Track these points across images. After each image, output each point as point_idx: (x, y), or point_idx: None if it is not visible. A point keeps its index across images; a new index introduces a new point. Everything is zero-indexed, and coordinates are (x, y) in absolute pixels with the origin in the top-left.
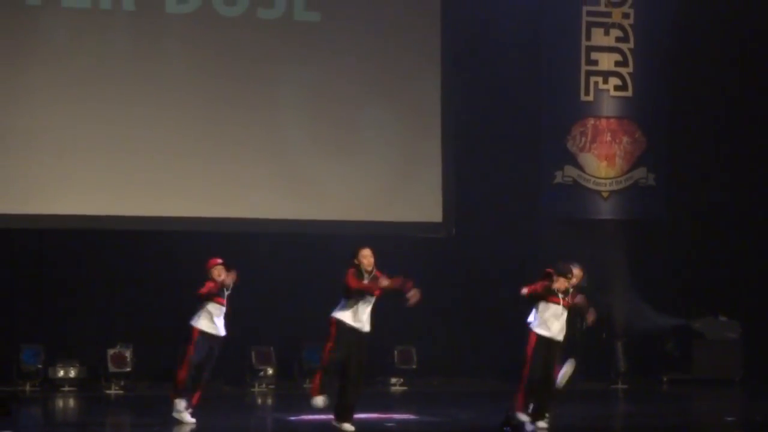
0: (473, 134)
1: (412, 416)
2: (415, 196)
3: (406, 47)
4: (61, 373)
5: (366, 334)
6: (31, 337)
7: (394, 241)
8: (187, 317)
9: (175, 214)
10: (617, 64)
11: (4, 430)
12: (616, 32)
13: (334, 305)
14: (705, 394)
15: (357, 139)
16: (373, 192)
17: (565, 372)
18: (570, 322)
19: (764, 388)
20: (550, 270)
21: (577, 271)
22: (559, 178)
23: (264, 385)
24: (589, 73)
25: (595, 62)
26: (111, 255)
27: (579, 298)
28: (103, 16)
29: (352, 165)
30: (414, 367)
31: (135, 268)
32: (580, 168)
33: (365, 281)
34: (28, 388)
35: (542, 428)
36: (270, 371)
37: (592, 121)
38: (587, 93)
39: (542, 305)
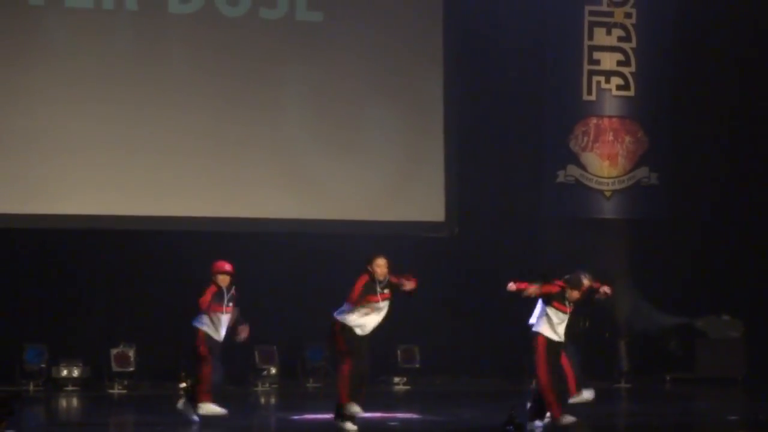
0: (476, 133)
1: (415, 415)
2: (417, 196)
3: (409, 47)
4: (65, 372)
5: (369, 334)
6: (35, 336)
7: (396, 241)
8: (190, 316)
9: (178, 214)
10: (619, 63)
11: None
12: (618, 32)
13: (337, 305)
14: (708, 392)
15: (360, 138)
16: (375, 191)
17: (585, 398)
18: (571, 323)
19: (767, 386)
20: (562, 284)
21: (585, 282)
22: (561, 177)
23: (267, 385)
24: (591, 73)
25: (598, 62)
26: (114, 254)
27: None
28: (106, 16)
29: (355, 164)
30: (417, 366)
31: (138, 267)
32: (583, 167)
33: (377, 292)
34: (31, 387)
35: (538, 427)
36: (273, 370)
37: (594, 121)
38: (589, 92)
39: (551, 311)
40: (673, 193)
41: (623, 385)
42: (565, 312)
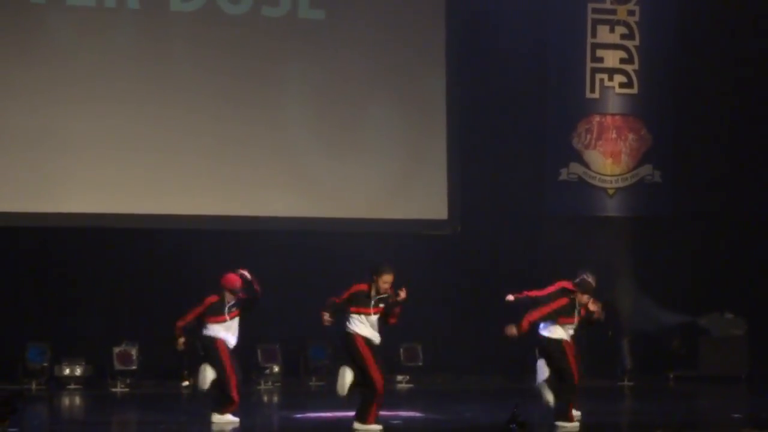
0: (478, 131)
1: (418, 414)
2: (420, 194)
3: (411, 45)
4: (67, 371)
5: (378, 346)
6: (37, 335)
7: (399, 239)
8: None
9: (181, 212)
10: (622, 61)
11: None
12: (621, 29)
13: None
14: (711, 391)
15: (362, 136)
16: (378, 189)
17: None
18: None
19: None
20: (571, 287)
21: (590, 280)
22: (564, 175)
23: (270, 383)
24: (594, 70)
25: (601, 59)
26: (116, 253)
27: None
28: (108, 15)
29: (358, 162)
30: (420, 364)
31: (141, 265)
32: (586, 165)
33: (371, 305)
34: (34, 386)
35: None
36: (276, 369)
37: (597, 118)
38: (593, 90)
39: (559, 326)
40: (677, 190)
41: (626, 383)
42: (573, 323)
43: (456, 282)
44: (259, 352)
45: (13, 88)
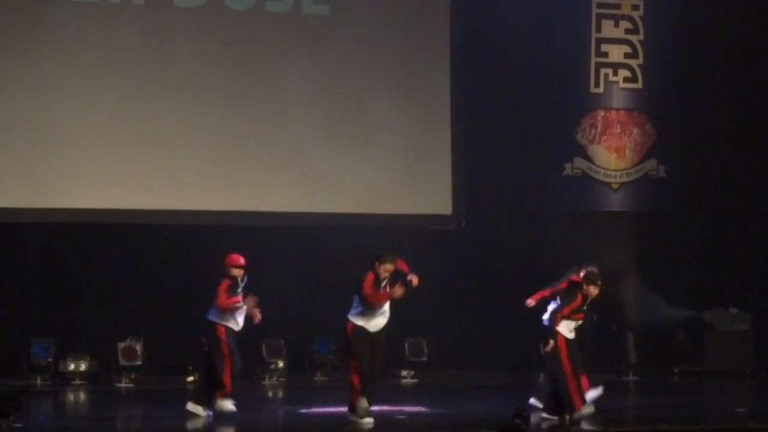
0: (483, 126)
1: (422, 408)
2: (424, 189)
3: (415, 40)
4: (72, 366)
5: (380, 333)
6: (42, 331)
7: (404, 234)
8: (197, 310)
9: (185, 208)
10: (627, 55)
11: (16, 423)
12: (625, 24)
13: (344, 298)
14: (716, 385)
15: (367, 131)
16: (382, 184)
17: (595, 394)
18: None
19: None
20: (577, 279)
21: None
22: (568, 170)
23: (275, 378)
24: (598, 65)
25: (605, 54)
26: (121, 248)
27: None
28: (112, 10)
29: (362, 158)
30: (425, 359)
31: (144, 261)
32: (590, 160)
33: (380, 290)
34: (38, 381)
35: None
36: (280, 364)
37: (602, 113)
38: (597, 85)
39: (569, 321)
40: (681, 185)
41: (631, 377)
42: (582, 318)
43: (460, 277)
44: (263, 347)
45: (17, 84)
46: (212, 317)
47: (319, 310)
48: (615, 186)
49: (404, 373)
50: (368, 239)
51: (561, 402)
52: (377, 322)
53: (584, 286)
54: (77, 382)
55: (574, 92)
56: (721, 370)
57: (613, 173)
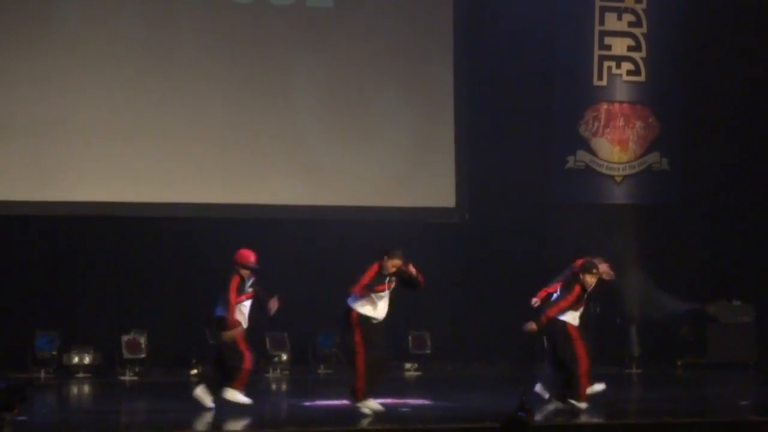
0: (486, 119)
1: (426, 401)
2: (428, 182)
3: (419, 33)
4: (76, 359)
5: (383, 321)
6: (46, 323)
7: (407, 227)
8: (201, 303)
9: (189, 200)
10: (630, 48)
11: (20, 416)
12: (628, 17)
13: (348, 291)
14: (719, 378)
15: (370, 124)
16: (386, 177)
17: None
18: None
19: None
20: (576, 271)
21: (603, 267)
22: (571, 162)
23: (278, 371)
24: (602, 58)
25: (608, 47)
26: (125, 241)
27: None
28: (116, 3)
29: (366, 151)
30: (428, 352)
31: (149, 254)
32: (593, 153)
33: (385, 282)
34: (42, 374)
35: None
36: (284, 357)
37: (605, 106)
38: (600, 78)
39: (571, 312)
40: (685, 178)
41: (634, 370)
42: (581, 308)
43: (464, 270)
44: (267, 340)
45: (21, 77)
46: (222, 314)
47: (323, 303)
48: (618, 179)
49: (408, 365)
50: (372, 232)
51: (564, 387)
52: (380, 311)
53: (581, 276)
54: (81, 375)
55: (577, 85)
56: (724, 363)
57: (616, 166)
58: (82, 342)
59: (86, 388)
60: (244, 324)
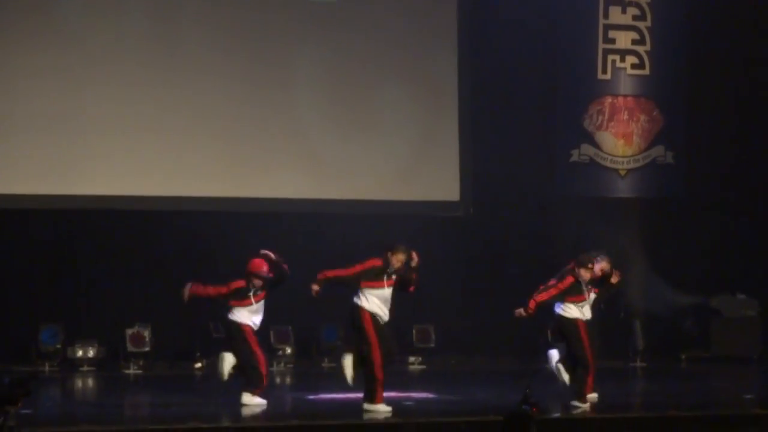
0: (490, 112)
1: (430, 395)
2: (432, 175)
3: (423, 26)
4: (80, 353)
5: (387, 322)
6: (50, 317)
7: (411, 220)
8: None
9: (193, 194)
10: (634, 42)
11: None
12: (633, 10)
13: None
14: (723, 371)
15: (374, 118)
16: (390, 171)
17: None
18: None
19: None
20: (573, 266)
21: (604, 264)
22: (575, 156)
23: (283, 364)
24: (606, 51)
25: (613, 40)
26: (129, 235)
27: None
28: None
29: (369, 144)
30: (432, 345)
31: (153, 247)
32: (597, 146)
33: (384, 279)
34: (47, 368)
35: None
36: (289, 350)
37: (609, 100)
38: (604, 71)
39: (569, 304)
40: (689, 171)
41: (638, 364)
42: (582, 301)
43: (468, 263)
44: (271, 333)
45: (25, 72)
46: (232, 316)
47: (327, 297)
48: (622, 172)
49: (412, 359)
50: (375, 225)
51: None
52: (384, 310)
53: (576, 269)
54: (85, 368)
55: (581, 79)
56: (728, 356)
57: (620, 160)
58: (86, 335)
59: (90, 382)
60: (258, 323)
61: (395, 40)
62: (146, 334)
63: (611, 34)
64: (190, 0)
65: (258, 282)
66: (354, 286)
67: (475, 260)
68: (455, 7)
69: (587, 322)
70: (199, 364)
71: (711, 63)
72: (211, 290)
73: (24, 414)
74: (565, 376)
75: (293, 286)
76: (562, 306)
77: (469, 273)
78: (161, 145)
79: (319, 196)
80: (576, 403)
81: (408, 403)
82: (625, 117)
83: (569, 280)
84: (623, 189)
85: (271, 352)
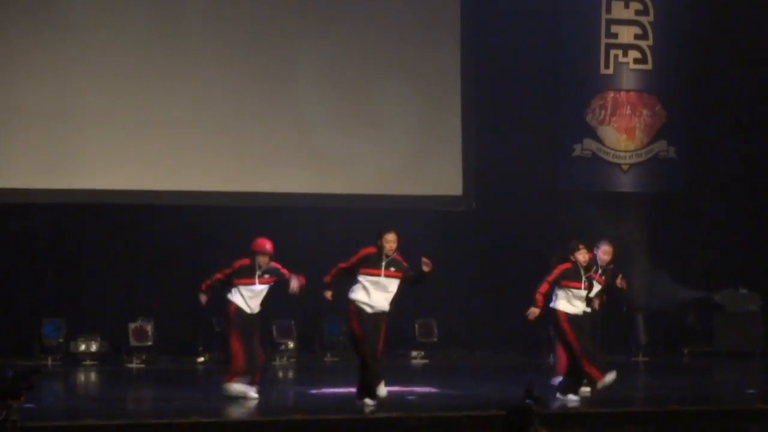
0: (493, 107)
1: (432, 389)
2: (435, 170)
3: (426, 20)
4: (83, 347)
5: (381, 313)
6: (53, 311)
7: (414, 215)
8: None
9: (196, 188)
10: (637, 37)
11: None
12: (635, 5)
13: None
14: (726, 366)
15: (377, 112)
16: (393, 165)
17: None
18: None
19: None
20: (567, 254)
21: (607, 248)
22: (578, 151)
23: (285, 359)
24: (608, 46)
25: (615, 35)
26: (131, 229)
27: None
28: None
29: (372, 139)
30: (435, 340)
31: (155, 241)
32: (600, 141)
33: (381, 267)
34: (49, 362)
35: (574, 401)
36: (291, 344)
37: (611, 94)
38: (607, 66)
39: (564, 290)
40: (691, 166)
41: (641, 358)
42: (578, 288)
43: (470, 258)
44: (274, 327)
45: (28, 66)
46: (227, 294)
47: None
48: (625, 167)
49: (414, 353)
50: (378, 220)
51: (576, 379)
52: (376, 299)
53: (571, 257)
54: (88, 362)
55: (583, 73)
56: (731, 351)
57: (622, 154)
58: (89, 329)
59: (93, 376)
60: (254, 308)
61: (398, 34)
62: (149, 328)
63: (614, 28)
64: None
65: (263, 260)
66: (354, 277)
67: (478, 255)
68: (458, 1)
69: (576, 315)
70: (201, 359)
71: (714, 58)
72: (217, 275)
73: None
74: (574, 398)
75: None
76: (556, 294)
77: (472, 268)
78: (164, 140)
79: (321, 191)
80: (599, 385)
81: (410, 397)
82: (628, 112)
83: (566, 265)
84: (626, 184)
85: (274, 347)
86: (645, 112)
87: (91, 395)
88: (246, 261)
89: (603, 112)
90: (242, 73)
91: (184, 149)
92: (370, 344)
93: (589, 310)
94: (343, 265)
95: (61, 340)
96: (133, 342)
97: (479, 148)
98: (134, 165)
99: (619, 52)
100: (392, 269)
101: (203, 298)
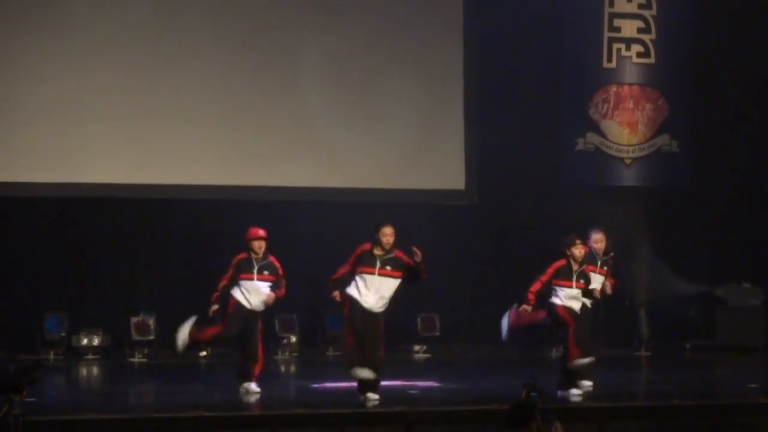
0: (495, 101)
1: (435, 383)
2: (437, 164)
3: (428, 14)
4: (85, 341)
5: (375, 313)
6: (55, 305)
7: (416, 209)
8: (210, 285)
9: (198, 182)
10: (640, 30)
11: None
12: None
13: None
14: (728, 360)
15: (379, 106)
16: (395, 159)
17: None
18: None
19: None
20: (562, 250)
21: (597, 236)
22: (581, 145)
23: (287, 353)
24: (611, 40)
25: (618, 29)
26: (134, 223)
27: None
28: None
29: (375, 132)
30: (437, 334)
31: (158, 236)
32: (603, 135)
33: (376, 265)
34: (51, 356)
35: (576, 395)
36: (293, 339)
37: (614, 88)
38: (609, 60)
39: (558, 289)
40: (694, 160)
41: (643, 352)
42: (569, 287)
43: (473, 252)
44: (276, 322)
45: (30, 60)
46: (230, 289)
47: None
48: (628, 161)
49: (416, 348)
50: (380, 214)
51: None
52: (367, 299)
53: (567, 252)
54: (90, 356)
55: (586, 67)
56: (733, 346)
57: (625, 148)
58: (91, 324)
59: (95, 370)
60: (251, 306)
61: (400, 28)
62: (151, 322)
63: (617, 22)
64: None
65: (257, 245)
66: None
67: (480, 249)
68: None
69: (572, 308)
70: (203, 353)
71: (716, 51)
72: (222, 282)
73: (29, 402)
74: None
75: (297, 275)
76: (553, 290)
77: (474, 262)
78: (166, 134)
79: (324, 185)
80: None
81: (413, 391)
82: (631, 106)
83: (560, 262)
84: (628, 178)
85: (276, 341)
86: (648, 106)
87: (93, 389)
88: (243, 255)
89: (606, 106)
90: (244, 67)
91: (187, 143)
92: (369, 349)
93: (588, 303)
94: (343, 270)
95: (63, 334)
96: (135, 336)
97: (482, 141)
98: (136, 159)
99: (622, 46)
100: (388, 268)
101: (214, 308)
